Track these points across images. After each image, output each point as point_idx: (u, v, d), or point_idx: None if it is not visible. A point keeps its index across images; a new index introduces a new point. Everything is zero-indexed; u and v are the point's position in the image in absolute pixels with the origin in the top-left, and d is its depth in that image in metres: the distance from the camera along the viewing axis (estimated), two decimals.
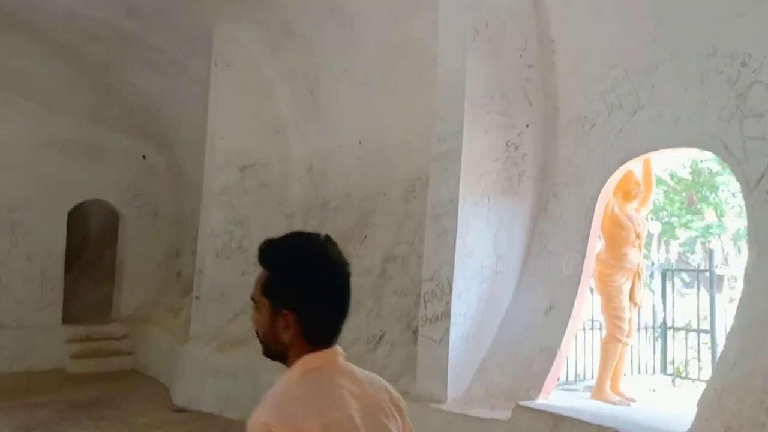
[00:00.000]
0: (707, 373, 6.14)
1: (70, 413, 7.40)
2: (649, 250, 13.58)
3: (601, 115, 4.92)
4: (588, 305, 5.55)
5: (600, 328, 5.79)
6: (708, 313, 6.40)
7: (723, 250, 16.89)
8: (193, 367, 7.78)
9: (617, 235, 5.12)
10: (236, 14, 7.88)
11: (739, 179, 3.95)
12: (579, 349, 5.81)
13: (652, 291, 6.98)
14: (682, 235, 17.06)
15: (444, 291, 5.07)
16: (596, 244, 5.05)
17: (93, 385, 8.83)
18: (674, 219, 17.04)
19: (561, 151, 5.28)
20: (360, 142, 7.44)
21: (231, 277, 7.93)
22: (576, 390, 5.52)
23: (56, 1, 7.91)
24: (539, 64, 5.36)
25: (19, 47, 8.94)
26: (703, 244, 16.50)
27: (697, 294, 6.58)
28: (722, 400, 3.53)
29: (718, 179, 16.50)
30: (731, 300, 9.41)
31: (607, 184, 4.90)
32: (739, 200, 16.08)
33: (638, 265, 5.17)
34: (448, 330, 4.99)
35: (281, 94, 8.41)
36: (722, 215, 16.86)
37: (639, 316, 5.77)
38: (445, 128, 5.29)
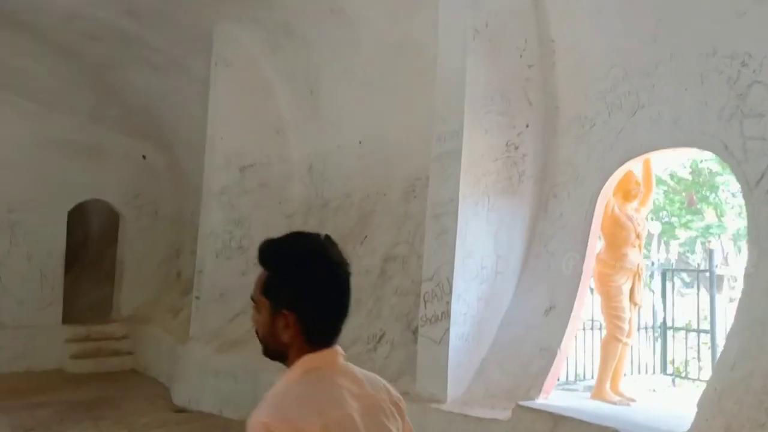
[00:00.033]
0: (707, 373, 6.14)
1: (70, 413, 7.40)
2: (649, 251, 13.57)
3: (601, 115, 4.92)
4: (588, 305, 5.55)
5: (600, 328, 5.79)
6: (707, 313, 6.40)
7: (723, 250, 16.90)
8: (193, 367, 7.78)
9: (617, 235, 5.12)
10: (236, 14, 7.88)
11: (739, 179, 3.95)
12: (579, 349, 5.81)
13: (652, 291, 6.97)
14: (682, 235, 17.07)
15: (444, 291, 5.07)
16: (596, 244, 5.05)
17: (93, 385, 8.83)
18: (674, 219, 17.05)
19: (561, 151, 5.28)
20: (360, 142, 7.44)
21: (231, 277, 7.93)
22: (576, 390, 5.52)
23: (56, 1, 7.91)
24: (539, 64, 5.36)
25: (19, 47, 8.93)
26: (703, 244, 16.50)
27: (697, 294, 6.57)
28: (722, 401, 3.53)
29: (718, 179, 16.51)
30: (731, 300, 9.41)
31: (607, 184, 4.89)
32: (739, 200, 16.09)
33: (638, 265, 5.17)
34: (448, 330, 4.99)
35: (281, 94, 8.41)
36: (722, 215, 16.87)
37: (639, 316, 5.77)
38: (445, 128, 5.28)
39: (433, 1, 5.55)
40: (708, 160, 15.92)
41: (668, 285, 6.57)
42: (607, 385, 5.07)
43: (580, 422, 4.01)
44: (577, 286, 4.88)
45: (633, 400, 5.01)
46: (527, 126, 5.35)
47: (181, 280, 10.45)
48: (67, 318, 10.43)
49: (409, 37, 6.42)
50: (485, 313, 5.17)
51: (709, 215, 17.15)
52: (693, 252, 17.29)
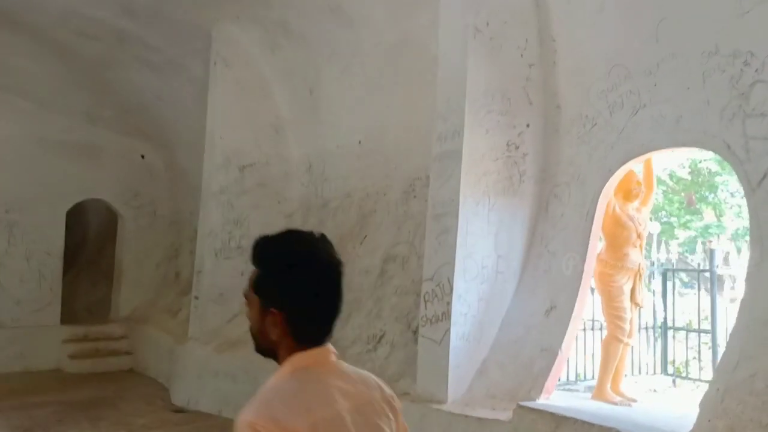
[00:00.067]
0: (708, 374, 6.13)
1: (69, 413, 7.37)
2: (649, 251, 13.57)
3: (603, 115, 4.90)
4: (588, 305, 5.53)
5: (600, 329, 5.78)
6: (707, 313, 6.39)
7: (723, 250, 16.89)
8: (192, 368, 7.76)
9: (618, 235, 5.10)
10: (235, 13, 7.85)
11: (741, 179, 3.93)
12: (579, 349, 5.79)
13: (652, 291, 6.96)
14: (681, 235, 17.08)
15: (444, 291, 5.05)
16: (597, 244, 5.03)
17: (91, 386, 8.80)
18: (673, 219, 17.06)
19: (562, 150, 5.26)
20: (360, 142, 7.42)
21: (230, 277, 7.89)
22: (577, 390, 5.51)
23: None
24: (540, 63, 5.34)
25: (15, 46, 8.90)
26: (703, 244, 16.51)
27: (698, 294, 6.56)
28: (725, 401, 3.52)
29: (717, 179, 16.53)
30: (732, 300, 9.40)
31: (608, 183, 4.87)
32: (738, 200, 16.12)
33: (639, 265, 5.15)
34: (448, 330, 4.97)
35: (280, 93, 8.38)
36: (721, 215, 16.88)
37: (639, 317, 5.76)
38: (445, 128, 5.27)
39: (433, 0, 5.54)
40: (707, 159, 15.93)
41: (669, 285, 6.55)
42: (608, 385, 5.05)
43: (582, 423, 3.98)
44: (578, 287, 4.86)
45: (634, 401, 5.00)
46: (528, 126, 5.33)
47: (179, 280, 10.42)
48: (66, 318, 10.41)
49: (409, 36, 6.40)
50: (486, 313, 5.15)
51: (708, 215, 17.16)
52: (692, 252, 17.29)
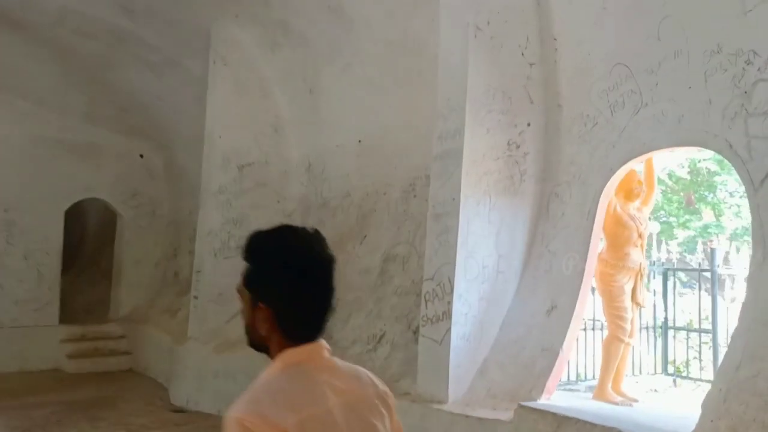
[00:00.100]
0: (708, 373, 6.12)
1: (67, 414, 7.35)
2: (649, 250, 13.58)
3: (604, 114, 4.89)
4: (589, 305, 5.52)
5: (601, 328, 5.76)
6: (707, 313, 6.37)
7: (723, 250, 16.90)
8: (192, 368, 7.74)
9: (619, 235, 5.08)
10: (235, 13, 7.83)
11: (743, 179, 3.91)
12: (580, 349, 5.78)
13: (653, 291, 6.94)
14: (680, 234, 17.08)
15: (445, 291, 5.03)
16: (598, 243, 5.01)
17: (90, 386, 8.79)
18: (672, 219, 17.05)
19: (563, 150, 5.25)
20: (359, 141, 7.40)
21: (229, 277, 7.82)
22: (577, 390, 5.49)
23: None
24: (541, 62, 5.32)
25: (14, 46, 8.87)
26: (704, 244, 16.51)
27: (698, 294, 6.55)
28: (727, 402, 3.50)
29: (716, 179, 16.53)
30: (732, 300, 9.40)
31: (609, 183, 4.86)
32: (737, 200, 16.13)
33: (640, 264, 5.14)
34: (449, 330, 4.95)
35: (280, 92, 8.36)
36: (720, 215, 16.88)
37: (640, 316, 5.74)
38: (446, 127, 5.25)
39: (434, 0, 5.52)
40: (706, 159, 15.93)
41: (669, 285, 6.54)
42: (609, 385, 5.04)
43: (584, 423, 3.97)
44: (579, 286, 4.85)
45: (635, 401, 4.99)
46: (529, 125, 5.32)
47: (178, 280, 10.40)
48: (64, 318, 10.39)
49: (409, 35, 6.38)
50: (487, 313, 5.14)
51: (707, 215, 17.15)
52: (691, 252, 17.29)
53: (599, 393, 5.03)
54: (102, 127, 10.63)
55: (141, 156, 11.17)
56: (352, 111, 7.41)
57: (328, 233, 1.58)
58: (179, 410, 7.51)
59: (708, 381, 5.95)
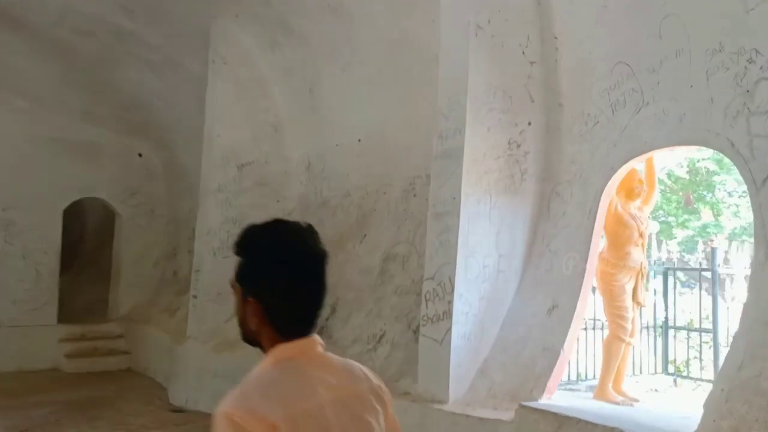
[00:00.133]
0: (709, 373, 6.12)
1: (66, 413, 7.33)
2: (649, 250, 13.59)
3: (605, 113, 4.88)
4: (589, 305, 5.50)
5: (602, 328, 5.75)
6: (707, 312, 6.36)
7: (723, 250, 16.92)
8: (191, 367, 7.72)
9: (620, 234, 5.07)
10: (234, 12, 7.81)
11: (745, 178, 3.89)
12: (580, 348, 5.76)
13: (653, 291, 6.94)
14: (679, 234, 17.09)
15: (446, 290, 5.02)
16: (599, 243, 4.99)
17: (89, 385, 8.76)
18: (671, 218, 17.06)
19: (564, 149, 5.24)
20: (359, 140, 7.38)
21: (228, 277, 7.79)
22: (578, 390, 5.48)
23: None
24: (542, 61, 5.31)
25: (12, 45, 8.85)
26: (704, 243, 16.52)
27: (699, 293, 6.54)
28: (730, 401, 3.49)
29: (715, 179, 16.54)
30: (732, 299, 9.39)
31: (610, 182, 4.84)
32: (736, 200, 16.13)
33: (641, 264, 5.12)
34: (449, 330, 4.94)
35: (279, 91, 8.34)
36: (719, 215, 16.89)
37: (641, 316, 5.73)
38: (446, 126, 5.23)
39: None
40: (705, 159, 15.94)
41: (669, 284, 6.53)
42: (610, 385, 5.03)
43: (585, 423, 3.96)
44: (580, 286, 4.83)
45: (636, 400, 4.97)
46: (529, 124, 5.30)
47: (177, 279, 10.38)
48: (63, 317, 10.37)
49: (409, 33, 6.36)
50: (487, 312, 5.12)
51: (706, 214, 17.16)
52: (690, 252, 17.30)
53: (600, 393, 5.02)
54: (101, 126, 10.61)
55: (140, 155, 11.15)
56: (352, 110, 7.39)
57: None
58: (178, 410, 7.49)
59: (708, 381, 5.95)
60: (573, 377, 5.66)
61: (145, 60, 8.99)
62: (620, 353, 5.06)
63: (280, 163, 8.47)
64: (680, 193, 17.22)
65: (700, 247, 16.08)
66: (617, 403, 4.87)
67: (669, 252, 15.88)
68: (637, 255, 5.09)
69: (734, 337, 3.81)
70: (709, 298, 6.32)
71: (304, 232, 1.53)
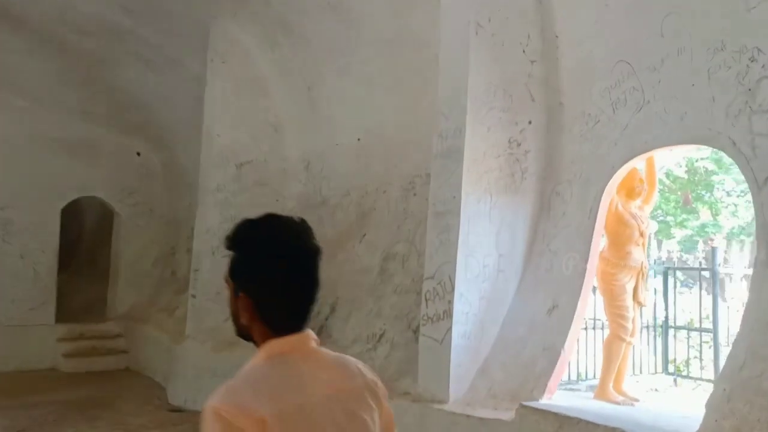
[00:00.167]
0: (709, 372, 6.11)
1: (65, 413, 7.30)
2: (648, 249, 13.59)
3: (606, 112, 4.86)
4: (589, 304, 5.48)
5: (602, 328, 5.73)
6: (707, 312, 6.35)
7: (723, 249, 16.93)
8: (190, 367, 7.70)
9: (621, 234, 5.06)
10: (233, 10, 7.79)
11: (747, 177, 3.88)
12: (580, 348, 5.75)
13: (653, 290, 6.93)
14: (678, 234, 17.10)
15: (446, 290, 5.00)
16: (600, 242, 4.98)
17: (87, 385, 8.74)
18: (670, 218, 17.06)
19: (564, 148, 5.22)
20: (359, 140, 7.36)
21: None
22: (578, 390, 5.46)
23: None
24: (542, 59, 5.29)
25: (10, 43, 8.82)
26: (704, 243, 16.53)
27: (699, 293, 6.53)
28: (732, 401, 3.48)
29: (714, 178, 16.55)
30: (732, 298, 9.39)
31: (611, 181, 4.82)
32: (734, 199, 16.14)
33: (642, 263, 5.11)
34: (450, 329, 4.92)
35: (278, 90, 8.32)
36: (717, 214, 16.90)
37: (641, 315, 5.72)
38: (447, 125, 5.21)
39: None
40: (704, 159, 15.94)
41: (669, 284, 6.52)
42: (611, 385, 5.01)
43: (586, 423, 3.94)
44: (581, 285, 4.81)
45: (637, 400, 4.96)
46: (530, 123, 5.28)
47: (176, 279, 10.36)
48: (61, 317, 10.34)
49: (409, 32, 6.34)
50: (487, 312, 5.11)
51: (705, 214, 17.17)
52: (688, 251, 17.31)
53: (601, 392, 5.00)
54: (99, 125, 10.58)
55: (138, 154, 11.13)
56: (352, 109, 7.37)
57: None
58: (177, 410, 7.47)
59: (708, 380, 5.95)
60: (573, 377, 5.65)
61: (144, 59, 8.97)
62: (621, 353, 5.05)
63: (280, 163, 8.44)
64: (679, 193, 17.22)
65: (701, 246, 16.09)
66: (618, 403, 4.86)
67: (669, 251, 15.88)
68: (637, 254, 5.07)
69: (736, 337, 3.80)
70: (709, 298, 6.31)
71: (297, 227, 1.52)
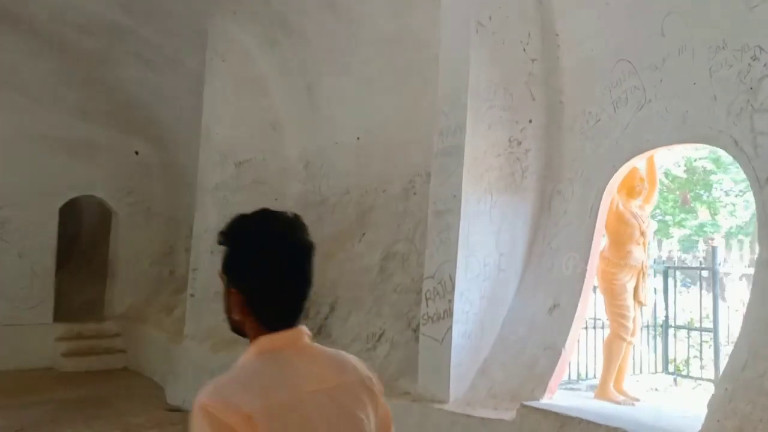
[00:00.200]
0: (709, 372, 6.10)
1: (63, 412, 7.29)
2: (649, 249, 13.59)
3: (607, 111, 4.84)
4: (590, 304, 5.47)
5: (602, 327, 5.72)
6: (707, 311, 6.34)
7: (723, 249, 16.94)
8: (188, 366, 7.68)
9: (622, 233, 5.04)
10: (232, 8, 7.77)
11: (748, 176, 3.86)
12: (581, 347, 5.73)
13: (654, 289, 6.92)
14: (676, 233, 17.12)
15: (446, 289, 4.99)
16: (600, 241, 4.96)
17: (85, 384, 8.72)
18: (668, 217, 17.08)
19: (565, 147, 5.20)
20: (358, 138, 7.35)
21: None
22: (579, 389, 5.45)
23: None
24: (543, 58, 5.28)
25: (9, 42, 8.80)
26: (705, 242, 16.55)
27: (699, 292, 6.52)
28: (734, 401, 3.47)
29: (712, 177, 16.57)
30: (731, 297, 9.38)
31: (612, 180, 4.81)
32: (732, 198, 16.16)
33: (642, 263, 5.09)
34: (450, 328, 4.90)
35: (278, 89, 8.30)
36: (716, 214, 16.92)
37: (642, 315, 5.70)
38: (447, 124, 5.20)
39: None
40: (702, 158, 15.96)
41: (669, 283, 6.51)
42: (611, 384, 5.00)
43: (588, 423, 3.93)
44: (581, 285, 4.80)
45: (637, 400, 4.94)
46: (530, 121, 5.27)
47: (175, 278, 10.34)
48: (59, 316, 10.32)
49: (409, 31, 6.33)
50: (488, 311, 5.09)
51: (703, 214, 17.19)
52: (686, 251, 17.33)
53: (601, 392, 4.99)
54: (98, 123, 10.55)
55: (136, 153, 11.10)
56: (351, 108, 7.35)
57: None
58: (175, 409, 7.45)
59: (709, 380, 5.94)
60: (574, 377, 5.63)
61: (143, 58, 8.95)
62: (621, 352, 5.04)
63: (279, 161, 8.42)
64: (677, 192, 17.25)
65: (701, 245, 16.10)
66: (619, 403, 4.84)
67: (669, 251, 15.89)
68: (638, 254, 5.06)
69: (738, 337, 3.79)
70: (709, 297, 6.30)
71: (290, 222, 1.51)
